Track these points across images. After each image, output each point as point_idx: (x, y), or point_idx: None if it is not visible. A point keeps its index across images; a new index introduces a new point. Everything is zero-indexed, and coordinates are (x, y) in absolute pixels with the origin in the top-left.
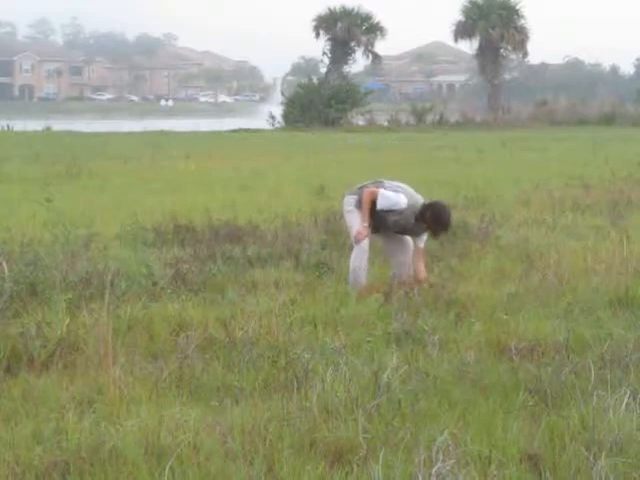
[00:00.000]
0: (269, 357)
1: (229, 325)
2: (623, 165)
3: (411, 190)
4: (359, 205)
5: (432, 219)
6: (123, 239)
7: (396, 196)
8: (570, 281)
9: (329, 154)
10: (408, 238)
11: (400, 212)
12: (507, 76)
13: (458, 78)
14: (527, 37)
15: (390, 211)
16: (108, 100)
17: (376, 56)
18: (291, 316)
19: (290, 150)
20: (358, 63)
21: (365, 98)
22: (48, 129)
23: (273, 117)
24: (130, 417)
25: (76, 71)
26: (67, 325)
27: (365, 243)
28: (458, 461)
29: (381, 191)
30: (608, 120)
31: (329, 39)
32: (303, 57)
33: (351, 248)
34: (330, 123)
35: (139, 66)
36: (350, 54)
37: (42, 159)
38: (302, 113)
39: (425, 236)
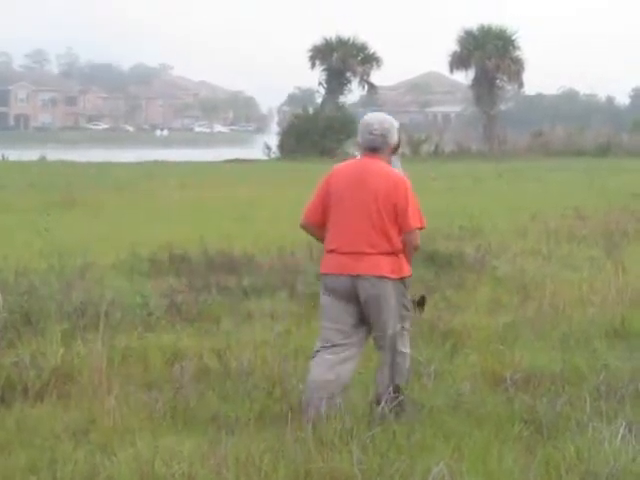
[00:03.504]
0: (264, 388)
1: (224, 355)
2: (619, 196)
3: None
4: None
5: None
6: (118, 269)
7: None
8: (566, 312)
9: None
10: None
11: None
12: (503, 106)
13: (453, 108)
14: (523, 68)
15: None
16: (103, 130)
17: (372, 86)
18: (286, 347)
19: (286, 180)
20: (354, 93)
21: None
22: (43, 158)
23: (269, 147)
24: (125, 447)
25: (71, 101)
26: (62, 355)
27: None
28: None
29: None
30: (604, 151)
31: (325, 69)
32: (299, 87)
33: None
34: (326, 153)
35: (134, 96)
36: (346, 84)
37: (37, 188)
38: (298, 143)
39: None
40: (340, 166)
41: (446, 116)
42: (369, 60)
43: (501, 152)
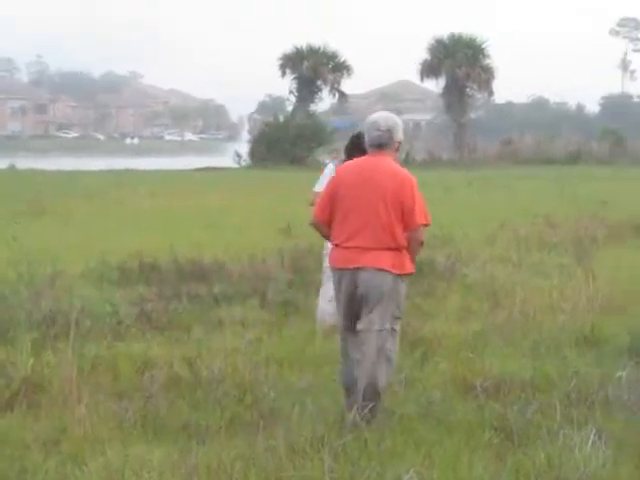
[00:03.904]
0: (235, 396)
1: (194, 364)
2: (588, 203)
3: None
4: None
5: (351, 147)
6: (88, 277)
7: (323, 174)
8: (536, 319)
9: (296, 192)
10: None
11: None
12: (473, 115)
13: (424, 117)
14: (493, 76)
15: None
16: (73, 138)
17: (342, 94)
18: (257, 355)
19: (256, 188)
20: (324, 101)
21: (331, 136)
22: (12, 167)
23: (239, 155)
24: (95, 457)
25: (41, 109)
26: (31, 364)
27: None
28: None
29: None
30: (574, 159)
31: (295, 77)
32: (269, 95)
33: (318, 287)
34: (297, 161)
35: (104, 104)
36: (316, 92)
37: (6, 197)
38: (268, 151)
39: None
40: (347, 164)
41: (417, 124)
42: (340, 68)
43: (471, 160)
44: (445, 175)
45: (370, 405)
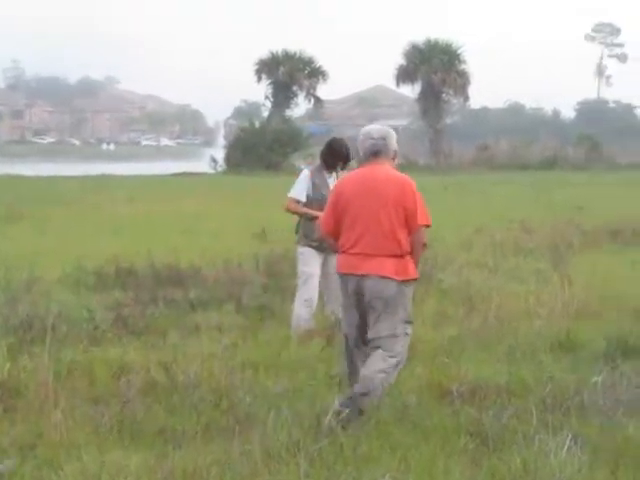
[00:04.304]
0: (211, 401)
1: (171, 369)
2: (564, 209)
3: None
4: (301, 239)
5: (326, 152)
6: (65, 282)
7: (298, 180)
8: (512, 324)
9: (271, 197)
10: None
11: (316, 187)
12: (449, 120)
13: (400, 122)
14: (468, 81)
15: (313, 198)
16: (49, 143)
17: (318, 100)
18: (233, 360)
19: (232, 194)
20: (300, 107)
21: (307, 142)
22: None
23: (215, 161)
24: (71, 462)
25: (17, 114)
26: (8, 369)
27: (313, 286)
28: None
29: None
30: (549, 164)
31: (271, 83)
32: (245, 100)
33: (294, 292)
34: (272, 167)
35: (81, 109)
36: (292, 98)
37: None
38: (244, 156)
39: None
40: (347, 175)
41: (393, 129)
42: (315, 74)
43: (447, 165)
44: (421, 180)
45: (358, 406)
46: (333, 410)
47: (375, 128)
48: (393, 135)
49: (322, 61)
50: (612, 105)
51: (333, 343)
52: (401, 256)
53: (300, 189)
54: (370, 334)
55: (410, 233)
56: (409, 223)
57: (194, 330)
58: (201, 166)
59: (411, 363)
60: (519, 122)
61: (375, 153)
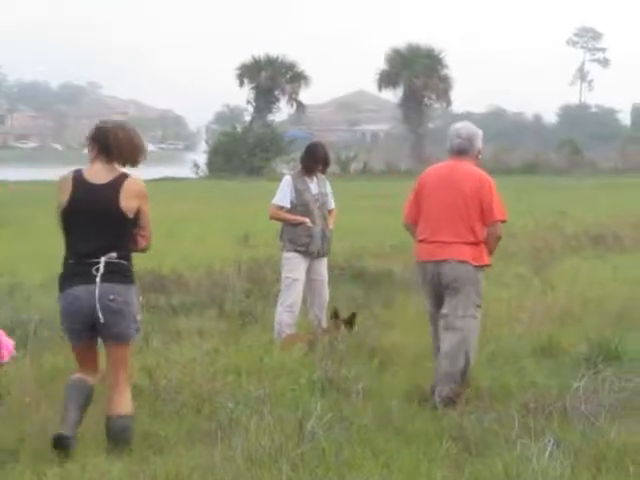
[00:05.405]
0: (193, 406)
1: (153, 374)
2: (546, 214)
3: None
4: (287, 245)
5: (305, 157)
6: (47, 288)
7: (280, 186)
8: (494, 329)
9: (253, 202)
10: (326, 280)
11: (299, 192)
12: (431, 125)
13: (382, 127)
14: (451, 86)
15: (297, 204)
16: (32, 149)
17: (300, 104)
18: (215, 365)
19: (214, 199)
20: (282, 112)
21: (289, 146)
22: None
23: (197, 166)
24: (53, 467)
25: None
26: None
27: (297, 292)
28: None
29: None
30: (531, 169)
31: (253, 87)
32: (227, 105)
33: (276, 297)
34: (254, 172)
35: (63, 114)
36: (274, 102)
37: None
38: (226, 161)
39: (331, 197)
40: (430, 168)
41: (375, 134)
42: (297, 78)
43: None
44: (403, 185)
45: (450, 386)
46: (436, 393)
47: (464, 127)
48: (479, 135)
49: (304, 66)
50: (594, 110)
51: (315, 348)
52: (476, 244)
53: (283, 195)
54: (444, 310)
55: (485, 225)
56: (485, 215)
57: (176, 335)
58: (183, 171)
59: (393, 368)
60: (501, 127)
61: (460, 152)
